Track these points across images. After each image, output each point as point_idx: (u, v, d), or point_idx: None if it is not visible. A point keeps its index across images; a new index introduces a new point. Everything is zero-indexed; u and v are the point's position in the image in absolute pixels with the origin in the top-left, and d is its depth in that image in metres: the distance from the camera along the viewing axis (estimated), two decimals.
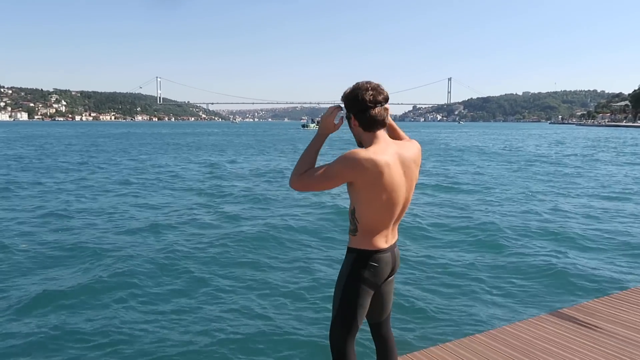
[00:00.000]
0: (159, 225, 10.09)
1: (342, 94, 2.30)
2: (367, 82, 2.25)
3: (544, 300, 5.88)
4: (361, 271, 2.30)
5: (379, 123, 2.24)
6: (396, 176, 2.19)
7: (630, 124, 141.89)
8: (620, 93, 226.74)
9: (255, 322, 5.31)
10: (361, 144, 2.29)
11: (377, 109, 2.22)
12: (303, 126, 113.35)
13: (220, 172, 21.34)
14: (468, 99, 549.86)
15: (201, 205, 12.85)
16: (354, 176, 2.16)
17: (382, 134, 2.26)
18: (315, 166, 2.27)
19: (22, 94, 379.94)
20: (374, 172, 2.13)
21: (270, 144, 49.04)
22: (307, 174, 2.24)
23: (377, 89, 2.22)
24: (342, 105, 2.31)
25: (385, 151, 2.19)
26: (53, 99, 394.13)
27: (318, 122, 2.56)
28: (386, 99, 2.25)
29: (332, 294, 2.41)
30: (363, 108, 2.21)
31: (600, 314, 3.98)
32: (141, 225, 10.11)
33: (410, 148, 2.31)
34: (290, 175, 2.29)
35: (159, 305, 5.78)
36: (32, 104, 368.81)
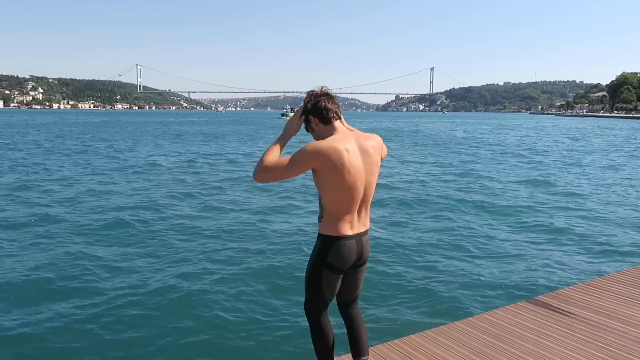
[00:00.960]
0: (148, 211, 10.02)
1: (315, 89, 2.51)
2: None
3: (520, 287, 6.03)
4: (325, 256, 2.48)
5: (331, 111, 2.46)
6: (355, 161, 2.38)
7: (608, 114, 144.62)
8: (599, 84, 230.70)
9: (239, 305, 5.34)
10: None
11: (325, 101, 2.46)
12: (282, 115, 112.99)
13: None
14: (450, 89, 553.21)
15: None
16: (317, 163, 2.35)
17: (339, 125, 2.49)
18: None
19: None
20: (334, 157, 2.33)
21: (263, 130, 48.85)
22: (272, 164, 2.38)
23: (321, 89, 2.50)
24: (302, 106, 2.52)
25: (344, 139, 2.41)
26: (29, 86, 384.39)
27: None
28: (330, 95, 2.51)
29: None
30: (315, 102, 2.46)
31: (574, 300, 4.11)
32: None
33: (370, 137, 2.52)
34: (254, 169, 2.41)
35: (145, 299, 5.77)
36: (7, 92, 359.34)
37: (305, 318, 2.67)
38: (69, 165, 19.09)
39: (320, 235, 2.52)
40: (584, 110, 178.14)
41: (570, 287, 4.53)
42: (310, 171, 2.42)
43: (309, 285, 2.58)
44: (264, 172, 2.39)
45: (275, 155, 2.43)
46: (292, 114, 2.57)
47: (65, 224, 9.25)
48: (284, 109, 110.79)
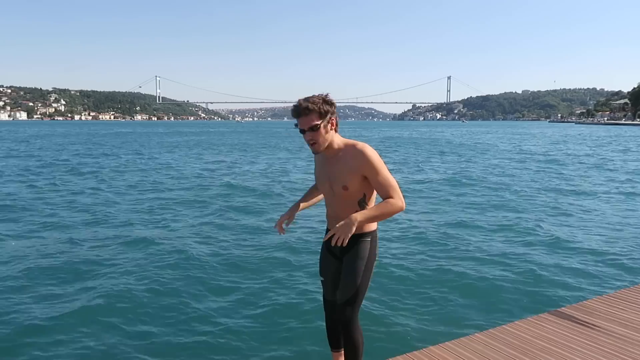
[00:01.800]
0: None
1: (308, 102, 2.63)
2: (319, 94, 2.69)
3: (543, 299, 5.90)
4: (375, 249, 2.87)
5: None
6: None
7: (630, 122, 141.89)
8: (620, 91, 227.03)
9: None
10: (317, 146, 2.70)
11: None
12: (296, 125, 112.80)
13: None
14: (467, 98, 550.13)
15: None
16: None
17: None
18: (387, 182, 2.66)
19: (21, 93, 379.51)
20: None
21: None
22: (396, 191, 2.65)
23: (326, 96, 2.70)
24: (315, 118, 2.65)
25: None
26: (52, 98, 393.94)
27: None
28: None
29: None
30: (334, 111, 2.70)
31: (599, 312, 4.00)
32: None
33: None
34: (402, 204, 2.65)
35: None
36: (31, 103, 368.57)
37: (348, 326, 2.85)
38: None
39: (368, 234, 2.81)
40: (605, 119, 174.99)
41: (595, 298, 4.42)
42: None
43: (363, 288, 2.83)
44: (402, 200, 2.66)
45: (392, 180, 2.70)
46: None
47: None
48: None
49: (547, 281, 6.58)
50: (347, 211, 2.68)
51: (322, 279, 3.08)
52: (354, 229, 2.51)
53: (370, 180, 2.66)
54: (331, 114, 2.66)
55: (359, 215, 2.54)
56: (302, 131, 2.67)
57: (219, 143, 48.99)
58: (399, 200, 2.60)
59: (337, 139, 2.74)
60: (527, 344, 3.46)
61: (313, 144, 2.68)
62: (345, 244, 2.53)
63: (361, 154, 2.64)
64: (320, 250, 3.11)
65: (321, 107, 2.61)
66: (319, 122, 2.63)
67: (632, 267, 7.31)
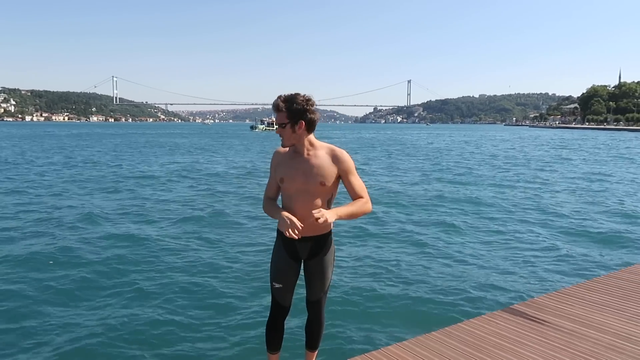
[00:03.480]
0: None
1: (281, 101, 2.74)
2: (302, 94, 2.76)
3: (496, 296, 6.08)
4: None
5: (315, 125, 2.83)
6: None
7: (579, 125, 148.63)
8: (570, 96, 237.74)
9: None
10: (283, 141, 2.85)
11: (316, 114, 2.82)
12: (251, 127, 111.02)
13: None
14: (427, 101, 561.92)
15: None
16: None
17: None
18: (360, 183, 2.91)
19: None
20: None
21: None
22: (366, 193, 2.90)
23: (312, 99, 2.77)
24: (285, 116, 2.76)
25: None
26: (1, 98, 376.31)
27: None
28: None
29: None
30: (311, 112, 2.76)
31: (549, 308, 4.15)
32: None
33: None
34: (370, 207, 2.89)
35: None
36: None
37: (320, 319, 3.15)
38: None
39: (331, 232, 2.99)
40: (557, 122, 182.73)
41: (544, 295, 4.58)
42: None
43: (330, 279, 3.08)
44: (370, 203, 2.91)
45: (363, 183, 2.93)
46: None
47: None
48: (262, 120, 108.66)
49: (499, 279, 6.79)
50: (313, 209, 2.75)
51: (279, 286, 3.00)
52: (334, 219, 2.70)
53: (345, 181, 2.87)
54: (302, 117, 2.76)
55: (340, 210, 2.74)
56: (281, 126, 2.83)
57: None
58: (369, 201, 2.88)
59: (312, 139, 2.89)
60: (481, 340, 3.55)
61: (281, 138, 2.86)
62: (320, 223, 2.62)
63: (341, 155, 2.87)
64: (273, 259, 3.05)
65: (291, 108, 2.75)
66: (286, 122, 2.78)
67: (580, 264, 7.64)
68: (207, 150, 39.43)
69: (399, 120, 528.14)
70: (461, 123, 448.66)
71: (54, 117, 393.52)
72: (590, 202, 13.89)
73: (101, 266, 7.32)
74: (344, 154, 2.88)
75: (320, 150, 2.89)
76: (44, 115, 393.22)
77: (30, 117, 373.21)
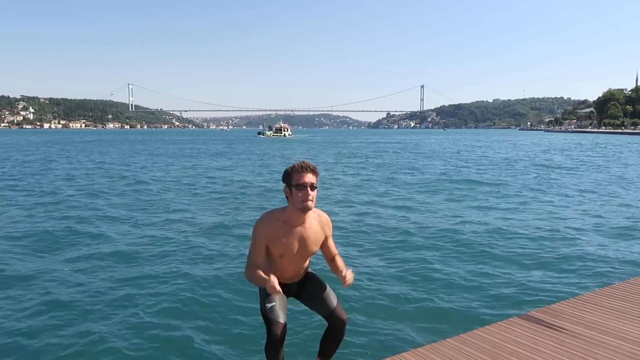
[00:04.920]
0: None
1: (312, 164, 3.03)
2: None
3: (512, 303, 6.00)
4: None
5: None
6: None
7: (595, 129, 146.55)
8: (586, 100, 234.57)
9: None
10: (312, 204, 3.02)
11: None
12: (259, 133, 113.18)
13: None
14: (440, 106, 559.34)
15: None
16: None
17: None
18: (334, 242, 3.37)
19: None
20: None
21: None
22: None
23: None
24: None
25: None
26: (20, 106, 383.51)
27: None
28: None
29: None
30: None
31: (566, 315, 4.08)
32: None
33: None
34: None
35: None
36: None
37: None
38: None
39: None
40: (572, 127, 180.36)
41: (562, 302, 4.51)
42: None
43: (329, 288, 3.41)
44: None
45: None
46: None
47: None
48: (274, 126, 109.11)
49: (516, 285, 6.70)
50: (306, 265, 3.27)
51: (272, 304, 3.09)
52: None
53: (328, 241, 3.24)
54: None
55: (344, 265, 3.23)
56: (313, 187, 2.98)
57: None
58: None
59: None
60: (497, 347, 3.50)
61: (311, 200, 2.98)
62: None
63: (327, 221, 3.22)
64: (262, 293, 3.16)
65: (319, 173, 3.08)
66: (316, 184, 3.03)
67: (598, 270, 7.50)
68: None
69: (412, 126, 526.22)
70: (475, 128, 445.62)
71: (71, 125, 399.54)
72: (612, 206, 13.66)
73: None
74: (329, 220, 3.23)
75: (314, 216, 3.13)
76: (61, 122, 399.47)
77: (48, 125, 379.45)
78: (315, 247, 3.17)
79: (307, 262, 3.29)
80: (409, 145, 65.18)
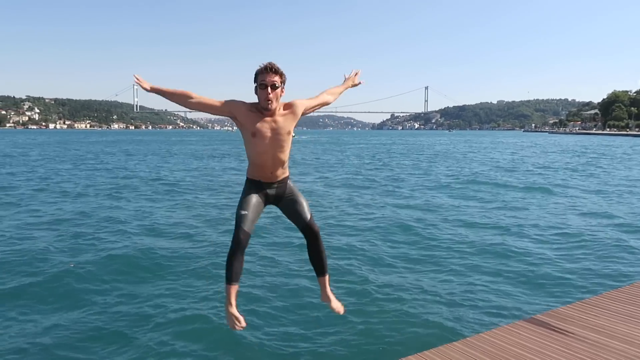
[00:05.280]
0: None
1: (274, 64, 3.04)
2: None
3: (518, 306, 6.00)
4: None
5: None
6: None
7: (600, 131, 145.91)
8: (590, 102, 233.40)
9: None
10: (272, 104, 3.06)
11: None
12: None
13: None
14: (445, 108, 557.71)
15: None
16: None
17: None
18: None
19: None
20: None
21: None
22: None
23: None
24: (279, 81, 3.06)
25: None
26: (26, 107, 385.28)
27: None
28: None
29: None
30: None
31: (572, 319, 4.08)
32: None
33: None
34: None
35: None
36: (3, 112, 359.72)
37: None
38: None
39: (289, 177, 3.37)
40: (577, 128, 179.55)
41: (568, 305, 4.51)
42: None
43: (305, 200, 3.46)
44: None
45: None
46: None
47: None
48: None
49: (521, 289, 6.69)
50: (284, 160, 3.21)
51: (245, 212, 3.18)
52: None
53: (310, 104, 3.29)
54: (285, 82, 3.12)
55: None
56: (275, 87, 3.03)
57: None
58: None
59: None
60: (503, 351, 3.51)
61: (270, 100, 3.04)
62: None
63: (296, 101, 3.23)
64: (242, 195, 3.27)
65: (283, 73, 3.07)
66: (280, 84, 3.06)
67: (604, 273, 7.49)
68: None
69: (416, 127, 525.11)
70: (479, 129, 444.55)
71: (76, 125, 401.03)
72: (621, 209, 13.61)
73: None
74: (296, 100, 3.24)
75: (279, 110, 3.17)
76: (66, 122, 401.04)
77: (53, 125, 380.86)
78: (289, 126, 3.18)
79: (285, 157, 3.24)
80: (420, 146, 65.12)
